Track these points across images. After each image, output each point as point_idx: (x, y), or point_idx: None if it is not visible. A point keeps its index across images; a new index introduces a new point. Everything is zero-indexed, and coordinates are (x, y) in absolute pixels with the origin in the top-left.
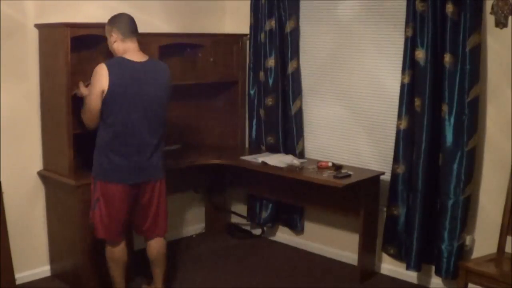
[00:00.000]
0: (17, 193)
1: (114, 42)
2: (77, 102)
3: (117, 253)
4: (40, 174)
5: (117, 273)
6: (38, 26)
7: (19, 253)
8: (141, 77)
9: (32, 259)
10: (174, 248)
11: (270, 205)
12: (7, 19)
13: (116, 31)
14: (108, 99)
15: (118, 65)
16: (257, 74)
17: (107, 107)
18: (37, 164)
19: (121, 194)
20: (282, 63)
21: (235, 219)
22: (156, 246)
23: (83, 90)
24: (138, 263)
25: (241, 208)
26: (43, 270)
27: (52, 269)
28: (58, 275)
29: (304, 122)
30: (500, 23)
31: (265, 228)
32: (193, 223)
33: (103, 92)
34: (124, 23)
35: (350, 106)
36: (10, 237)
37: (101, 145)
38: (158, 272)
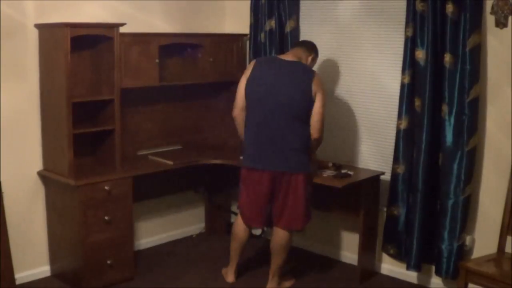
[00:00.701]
0: (17, 193)
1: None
2: (77, 103)
3: (235, 227)
4: (40, 174)
5: (231, 245)
6: (38, 26)
7: (19, 253)
8: (280, 75)
9: (32, 259)
10: (174, 248)
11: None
12: (7, 19)
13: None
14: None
15: (262, 61)
16: None
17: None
18: (37, 164)
19: (252, 177)
20: None
21: (235, 219)
22: (276, 235)
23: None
24: (137, 263)
25: None
26: (43, 270)
27: (52, 269)
28: (58, 275)
29: None
30: (500, 23)
31: (265, 228)
32: (193, 223)
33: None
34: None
35: (350, 106)
36: (10, 237)
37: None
38: (272, 261)
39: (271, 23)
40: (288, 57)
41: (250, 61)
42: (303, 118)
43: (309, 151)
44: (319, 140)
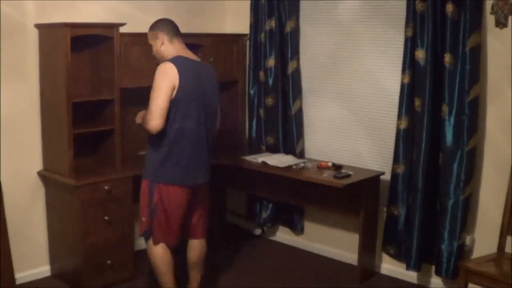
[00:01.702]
0: (17, 193)
1: (162, 44)
2: (78, 103)
3: (168, 255)
4: (40, 174)
5: (169, 279)
6: (38, 26)
7: (19, 253)
8: (202, 76)
9: (32, 259)
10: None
11: (270, 205)
12: (7, 19)
13: (161, 33)
14: (178, 99)
15: (183, 63)
16: (257, 74)
17: (176, 107)
18: (37, 164)
19: (182, 195)
20: (282, 63)
21: (235, 219)
22: (198, 248)
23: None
24: (137, 263)
25: (241, 208)
26: (43, 270)
27: (52, 269)
28: (58, 275)
29: (304, 122)
30: (500, 23)
31: (265, 228)
32: None
33: (173, 91)
34: (168, 24)
35: (350, 106)
36: (10, 237)
37: (163, 147)
38: (196, 274)
39: (271, 23)
40: (192, 55)
41: (249, 61)
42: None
43: None
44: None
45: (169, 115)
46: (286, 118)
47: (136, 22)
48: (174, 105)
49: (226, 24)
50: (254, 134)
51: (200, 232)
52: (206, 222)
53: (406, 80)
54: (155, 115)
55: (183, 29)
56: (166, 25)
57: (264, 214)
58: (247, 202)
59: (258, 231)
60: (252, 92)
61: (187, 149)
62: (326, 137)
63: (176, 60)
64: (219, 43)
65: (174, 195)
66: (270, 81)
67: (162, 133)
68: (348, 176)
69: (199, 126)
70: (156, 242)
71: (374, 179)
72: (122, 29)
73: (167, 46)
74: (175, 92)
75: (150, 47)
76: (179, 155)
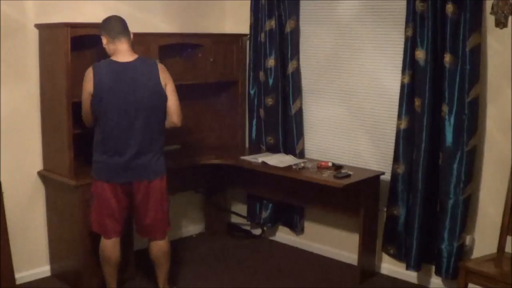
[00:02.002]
0: (17, 193)
1: (105, 44)
2: (77, 102)
3: (107, 251)
4: (40, 174)
5: (106, 271)
6: (38, 26)
7: (19, 253)
8: (128, 77)
9: (32, 259)
10: (174, 248)
11: (270, 205)
12: (7, 19)
13: (104, 33)
14: (95, 102)
15: (104, 67)
16: (257, 74)
17: (96, 109)
18: (37, 164)
19: (109, 192)
20: (282, 63)
21: (235, 219)
22: (154, 247)
23: None
24: (137, 263)
25: (241, 208)
26: (43, 270)
27: (52, 269)
28: (58, 275)
29: (304, 122)
30: (500, 23)
31: (265, 228)
32: (193, 223)
33: (90, 95)
34: (111, 24)
35: (350, 106)
36: (10, 237)
37: (95, 145)
38: (158, 273)
39: (271, 23)
40: (128, 55)
41: (249, 61)
42: (161, 117)
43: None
44: (180, 126)
45: (94, 116)
46: (286, 118)
47: (136, 22)
48: (94, 106)
49: (226, 24)
50: (254, 134)
51: (153, 233)
52: (160, 223)
53: (406, 80)
54: (83, 115)
55: (183, 29)
56: (108, 25)
57: (264, 214)
58: (247, 202)
59: (258, 231)
60: (252, 92)
61: (112, 148)
62: (326, 137)
63: (99, 64)
64: (219, 43)
65: (102, 190)
66: (270, 81)
67: (95, 132)
68: (348, 176)
69: (124, 127)
70: (95, 231)
71: (374, 179)
72: None
73: (108, 46)
74: (92, 96)
75: (149, 46)
76: (104, 153)
